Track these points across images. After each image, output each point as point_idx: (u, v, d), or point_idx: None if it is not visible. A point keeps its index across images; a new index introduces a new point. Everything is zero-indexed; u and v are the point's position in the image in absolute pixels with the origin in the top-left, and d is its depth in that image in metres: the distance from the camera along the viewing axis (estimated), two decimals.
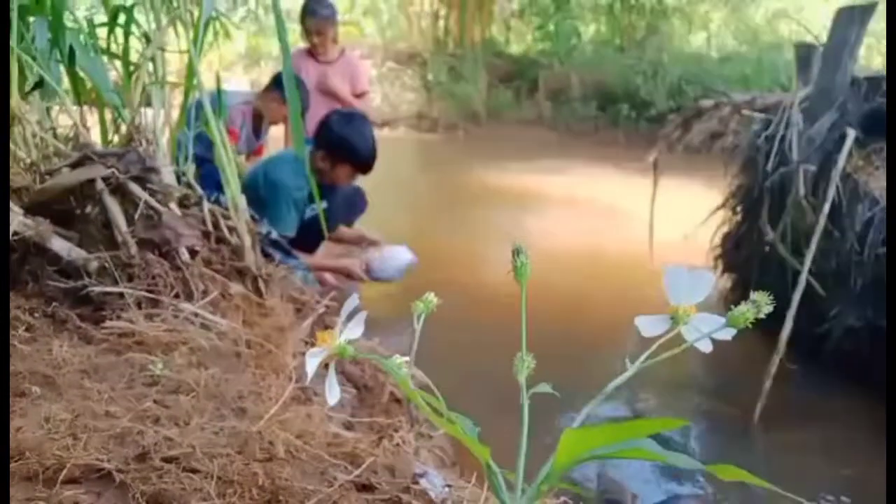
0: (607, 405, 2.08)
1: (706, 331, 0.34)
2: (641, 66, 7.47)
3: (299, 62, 3.43)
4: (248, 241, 1.52)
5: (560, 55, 8.15)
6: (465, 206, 4.56)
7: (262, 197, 2.36)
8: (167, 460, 0.77)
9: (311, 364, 0.41)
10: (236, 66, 8.95)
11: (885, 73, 2.63)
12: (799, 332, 2.12)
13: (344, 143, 2.43)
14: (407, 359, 0.43)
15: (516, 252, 0.44)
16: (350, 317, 0.42)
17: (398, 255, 2.61)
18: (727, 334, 0.35)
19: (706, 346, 0.34)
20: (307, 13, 3.39)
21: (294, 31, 6.65)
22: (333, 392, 0.41)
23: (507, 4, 9.25)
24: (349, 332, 0.41)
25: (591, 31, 8.96)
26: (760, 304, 0.35)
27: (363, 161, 2.47)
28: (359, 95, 3.53)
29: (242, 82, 8.07)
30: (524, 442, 0.41)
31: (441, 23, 9.11)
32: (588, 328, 2.69)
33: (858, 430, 2.09)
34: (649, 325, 0.37)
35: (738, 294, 2.89)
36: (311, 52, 3.46)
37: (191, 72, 1.55)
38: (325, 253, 2.83)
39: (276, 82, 2.91)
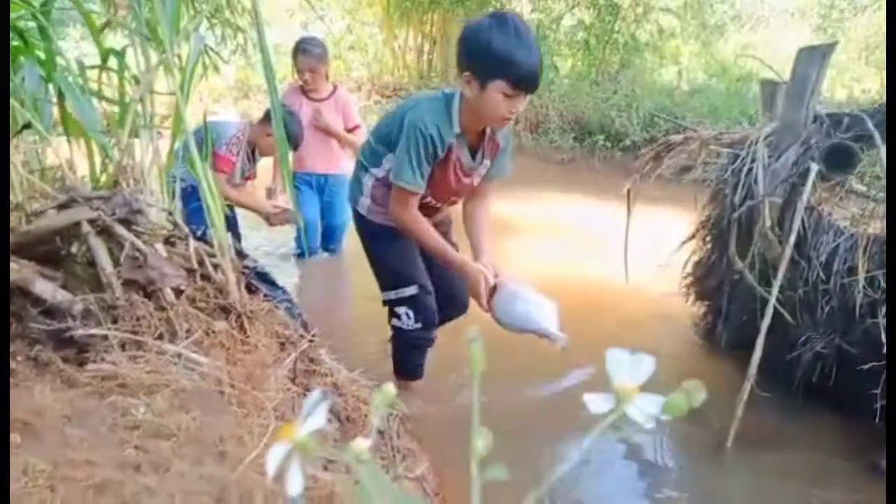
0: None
1: (649, 410, 0.37)
2: (616, 100, 7.69)
3: (293, 99, 3.50)
4: (232, 278, 1.55)
5: (538, 89, 8.33)
6: None
7: (395, 141, 1.94)
8: None
9: (273, 462, 0.38)
10: (226, 98, 9.04)
11: (844, 109, 2.76)
12: (769, 358, 2.19)
13: (496, 51, 1.69)
14: (369, 444, 0.40)
15: (472, 341, 0.41)
16: (311, 411, 0.40)
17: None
18: (668, 416, 0.38)
19: (650, 424, 0.37)
20: (299, 52, 3.46)
21: (283, 63, 6.72)
22: (295, 485, 0.38)
23: None
24: (311, 424, 0.39)
25: (567, 66, 9.20)
26: (693, 393, 0.37)
27: (524, 72, 1.72)
28: (351, 130, 3.60)
29: (233, 113, 8.15)
30: None
31: (425, 57, 9.30)
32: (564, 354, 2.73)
33: (828, 454, 2.15)
34: (596, 403, 0.39)
35: (709, 320, 2.96)
36: (304, 90, 3.53)
37: (178, 116, 1.59)
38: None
39: (270, 116, 2.96)
